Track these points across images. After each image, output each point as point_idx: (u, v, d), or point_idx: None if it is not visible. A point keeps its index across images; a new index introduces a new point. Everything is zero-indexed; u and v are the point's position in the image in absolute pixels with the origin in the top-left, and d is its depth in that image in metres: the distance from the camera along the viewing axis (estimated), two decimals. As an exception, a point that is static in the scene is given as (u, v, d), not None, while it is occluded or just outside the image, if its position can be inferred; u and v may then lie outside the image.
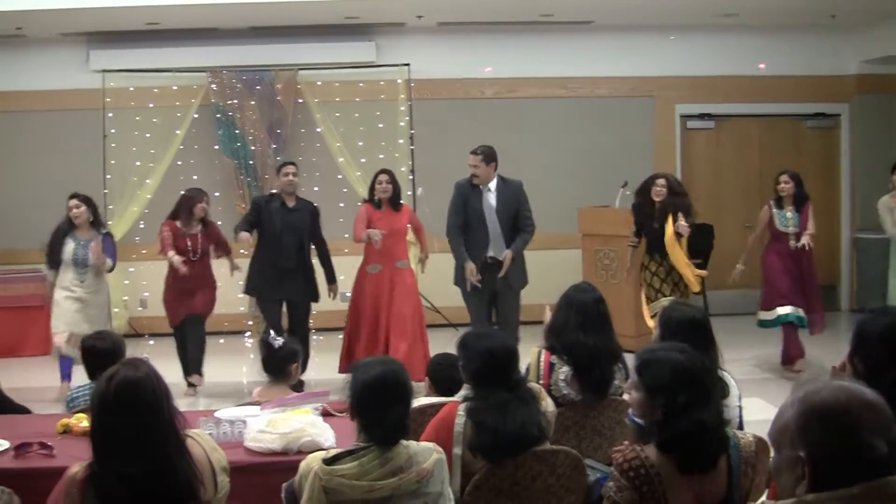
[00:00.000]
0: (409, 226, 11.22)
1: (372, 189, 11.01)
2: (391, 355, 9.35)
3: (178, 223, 10.83)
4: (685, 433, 4.09)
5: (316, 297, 11.16)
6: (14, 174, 14.35)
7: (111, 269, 10.91)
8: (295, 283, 10.87)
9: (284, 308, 11.07)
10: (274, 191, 11.39)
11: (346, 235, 11.40)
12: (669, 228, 10.64)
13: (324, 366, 11.09)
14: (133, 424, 3.95)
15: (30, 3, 12.46)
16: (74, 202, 10.59)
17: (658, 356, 4.38)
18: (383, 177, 10.91)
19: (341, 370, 10.73)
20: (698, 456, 4.14)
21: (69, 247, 10.53)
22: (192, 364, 10.87)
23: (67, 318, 10.58)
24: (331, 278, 11.20)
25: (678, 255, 10.70)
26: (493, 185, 10.47)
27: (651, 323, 10.31)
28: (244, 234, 10.66)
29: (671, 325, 5.56)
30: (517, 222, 10.47)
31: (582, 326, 6.15)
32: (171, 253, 10.55)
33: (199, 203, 10.87)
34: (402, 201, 11.15)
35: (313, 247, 11.16)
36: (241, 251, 11.47)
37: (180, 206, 10.92)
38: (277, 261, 10.85)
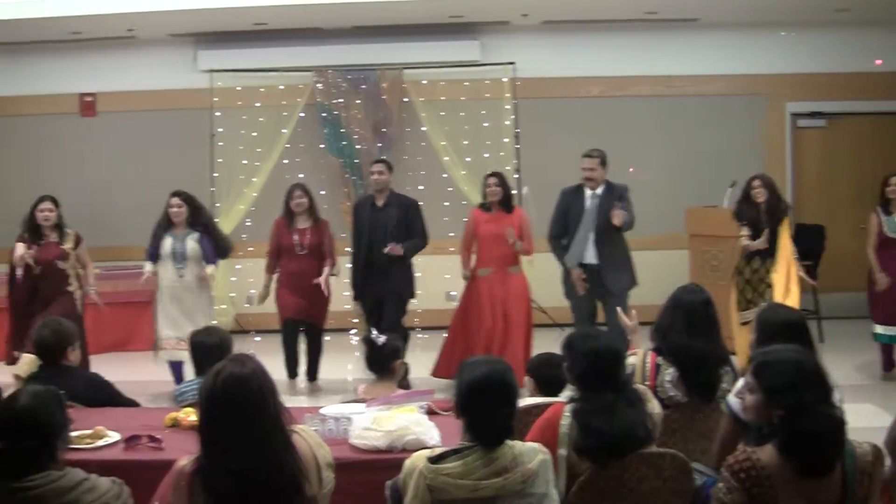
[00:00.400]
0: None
1: (484, 192, 10.98)
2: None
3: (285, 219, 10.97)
4: (811, 432, 4.03)
5: (410, 294, 11.03)
6: (124, 172, 14.61)
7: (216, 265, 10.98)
8: (386, 281, 10.74)
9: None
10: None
11: (451, 234, 11.43)
12: (785, 234, 10.38)
13: (427, 365, 11.08)
14: (239, 420, 3.98)
15: (140, 5, 12.66)
16: (176, 201, 10.65)
17: (776, 356, 4.33)
18: (492, 179, 10.86)
19: (435, 373, 10.80)
20: (820, 458, 4.07)
21: (167, 242, 10.60)
22: (311, 375, 11.19)
23: (170, 321, 10.68)
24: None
25: (791, 267, 10.40)
26: (599, 189, 10.24)
27: (738, 330, 10.18)
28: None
29: (769, 327, 5.48)
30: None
31: (688, 329, 6.03)
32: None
33: (290, 200, 10.96)
34: (514, 204, 11.03)
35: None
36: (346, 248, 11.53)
37: (285, 203, 11.02)
38: (368, 260, 10.82)
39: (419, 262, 10.97)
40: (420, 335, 12.23)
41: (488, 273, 10.73)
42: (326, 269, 10.81)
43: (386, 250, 10.53)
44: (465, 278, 10.97)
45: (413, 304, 11.06)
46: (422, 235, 10.96)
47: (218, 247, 10.86)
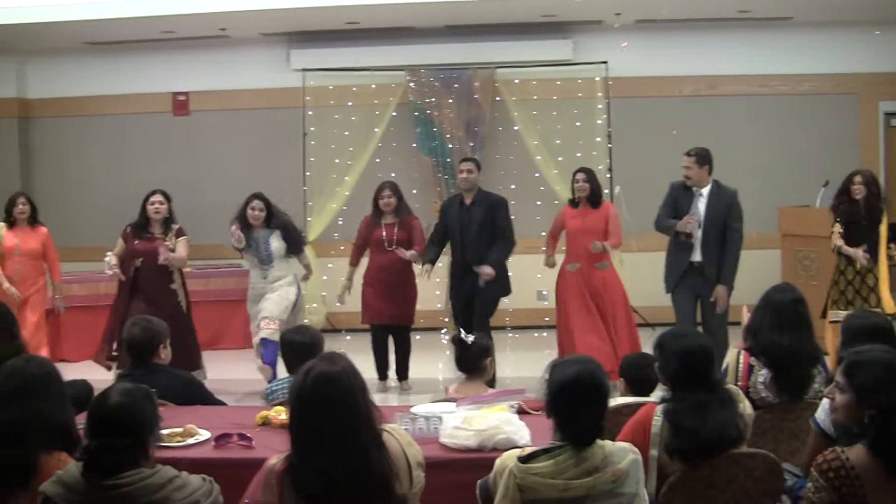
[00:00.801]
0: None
1: (572, 188, 10.93)
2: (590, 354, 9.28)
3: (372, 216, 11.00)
4: None
5: (503, 292, 10.88)
6: (216, 170, 14.78)
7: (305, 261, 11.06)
8: (478, 279, 10.56)
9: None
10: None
11: (543, 233, 11.35)
12: (883, 234, 10.23)
13: (519, 363, 11.06)
14: (329, 418, 3.99)
15: (232, 5, 12.77)
16: (259, 204, 10.63)
17: (868, 356, 4.28)
18: (580, 175, 10.78)
19: None
20: None
21: (252, 246, 10.64)
22: (400, 374, 11.17)
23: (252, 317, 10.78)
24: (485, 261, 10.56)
25: (883, 267, 10.25)
26: (706, 190, 9.97)
27: (829, 329, 10.05)
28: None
29: (852, 331, 5.48)
30: (725, 233, 9.91)
31: (778, 327, 6.00)
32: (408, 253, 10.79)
33: (379, 199, 10.97)
34: (602, 199, 10.93)
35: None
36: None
37: (373, 200, 11.06)
38: (458, 259, 10.83)
39: (510, 261, 10.92)
40: (511, 334, 12.21)
41: (576, 269, 10.66)
42: (412, 252, 10.80)
43: (481, 282, 10.41)
44: (548, 265, 10.98)
45: (504, 302, 11.01)
46: (506, 236, 10.73)
47: (300, 239, 10.99)
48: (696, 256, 9.94)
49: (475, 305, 10.63)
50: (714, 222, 9.88)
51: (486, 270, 10.36)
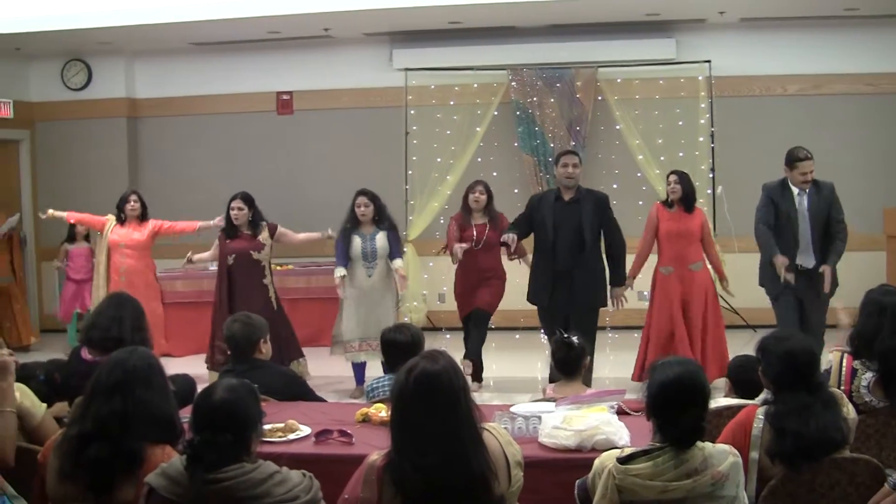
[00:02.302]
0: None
1: (666, 189, 10.84)
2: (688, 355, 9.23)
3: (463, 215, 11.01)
4: None
5: (600, 303, 10.26)
6: (319, 169, 14.96)
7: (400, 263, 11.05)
8: (571, 289, 9.97)
9: None
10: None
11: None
12: None
13: (618, 364, 11.02)
14: (430, 415, 4.03)
15: (336, 5, 12.86)
16: (364, 200, 10.76)
17: None
18: (672, 177, 10.67)
19: (634, 377, 10.50)
20: None
21: (356, 242, 10.70)
22: (469, 353, 10.86)
23: (356, 323, 10.80)
24: (615, 279, 10.25)
25: None
26: (807, 188, 9.71)
27: None
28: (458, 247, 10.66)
29: None
30: (829, 227, 9.68)
31: (896, 331, 5.92)
32: (456, 247, 10.68)
33: (469, 194, 10.98)
34: (696, 203, 10.80)
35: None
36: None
37: (463, 198, 11.08)
38: (547, 261, 10.08)
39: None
40: (610, 334, 12.15)
41: (670, 272, 10.58)
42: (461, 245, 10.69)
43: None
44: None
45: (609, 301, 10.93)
46: (610, 230, 10.19)
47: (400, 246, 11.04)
48: (799, 259, 9.70)
49: (575, 323, 9.34)
50: (819, 218, 9.68)
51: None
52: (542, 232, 10.08)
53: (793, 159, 9.70)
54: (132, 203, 11.81)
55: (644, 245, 10.70)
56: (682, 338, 10.38)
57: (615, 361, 11.05)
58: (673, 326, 10.45)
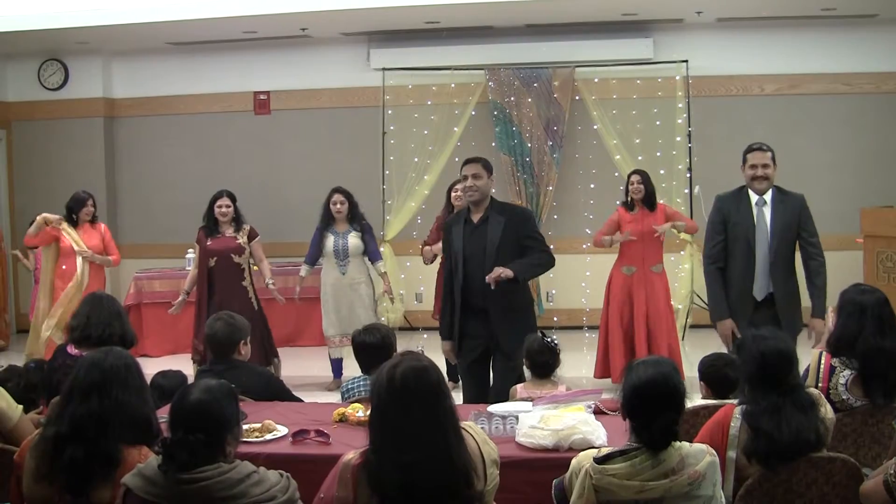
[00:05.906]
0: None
1: (626, 191, 10.88)
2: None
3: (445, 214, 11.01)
4: None
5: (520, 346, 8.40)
6: (296, 169, 14.97)
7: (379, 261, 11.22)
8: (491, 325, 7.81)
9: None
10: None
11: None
12: None
13: (595, 364, 11.00)
14: (416, 411, 4.03)
15: (313, 5, 12.87)
16: (340, 197, 11.03)
17: None
18: (635, 177, 10.77)
19: (596, 374, 10.77)
20: None
21: (329, 239, 10.97)
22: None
23: (335, 319, 11.06)
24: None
25: None
26: (768, 196, 8.05)
27: None
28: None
29: None
30: (795, 247, 8.08)
31: (880, 332, 5.89)
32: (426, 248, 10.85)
33: (452, 192, 11.01)
34: (658, 201, 10.90)
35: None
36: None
37: (446, 196, 11.16)
38: (460, 297, 7.82)
39: (589, 260, 10.84)
40: (587, 334, 12.16)
41: (632, 272, 10.67)
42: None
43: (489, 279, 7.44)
44: (611, 244, 10.78)
45: (582, 302, 10.98)
46: (543, 250, 7.90)
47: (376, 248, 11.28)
48: (764, 289, 8.02)
49: (494, 371, 7.81)
50: (783, 238, 8.00)
51: (503, 272, 7.38)
52: (453, 263, 7.98)
53: (744, 152, 8.27)
54: (89, 207, 11.60)
55: (600, 241, 10.83)
56: (640, 339, 10.53)
57: (592, 362, 11.04)
58: (629, 326, 10.63)
